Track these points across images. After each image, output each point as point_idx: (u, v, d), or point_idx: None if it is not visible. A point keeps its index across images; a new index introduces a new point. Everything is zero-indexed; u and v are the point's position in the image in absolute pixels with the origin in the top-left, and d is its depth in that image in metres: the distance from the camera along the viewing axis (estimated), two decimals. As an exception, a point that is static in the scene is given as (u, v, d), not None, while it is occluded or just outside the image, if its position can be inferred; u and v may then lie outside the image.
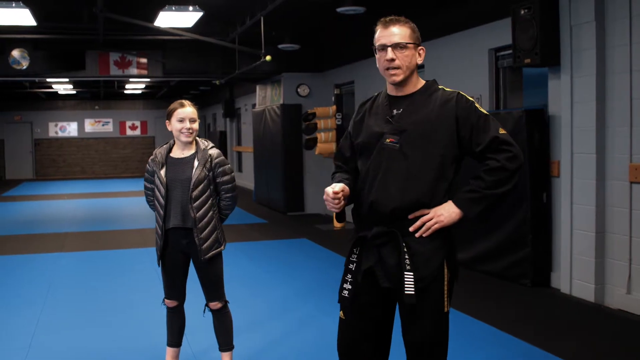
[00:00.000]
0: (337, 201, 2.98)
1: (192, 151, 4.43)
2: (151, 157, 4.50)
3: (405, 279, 2.91)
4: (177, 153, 4.46)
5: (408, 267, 2.91)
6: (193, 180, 4.31)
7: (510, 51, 7.49)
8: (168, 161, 4.44)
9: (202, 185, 4.34)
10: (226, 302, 4.55)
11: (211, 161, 4.38)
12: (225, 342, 4.60)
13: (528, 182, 7.02)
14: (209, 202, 4.38)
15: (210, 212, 4.38)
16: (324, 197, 3.02)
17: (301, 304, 6.63)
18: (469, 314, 6.10)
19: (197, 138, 4.49)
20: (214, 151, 4.43)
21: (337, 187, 2.99)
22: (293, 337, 5.57)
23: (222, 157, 4.46)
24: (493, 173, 2.92)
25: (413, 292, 2.90)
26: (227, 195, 4.48)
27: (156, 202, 4.46)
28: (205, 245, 4.34)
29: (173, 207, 4.37)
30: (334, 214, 3.15)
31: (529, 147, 7.00)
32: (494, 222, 7.41)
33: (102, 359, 5.13)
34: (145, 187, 4.62)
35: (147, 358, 5.10)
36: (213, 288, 4.48)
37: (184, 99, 4.59)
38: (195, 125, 4.39)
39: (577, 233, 6.69)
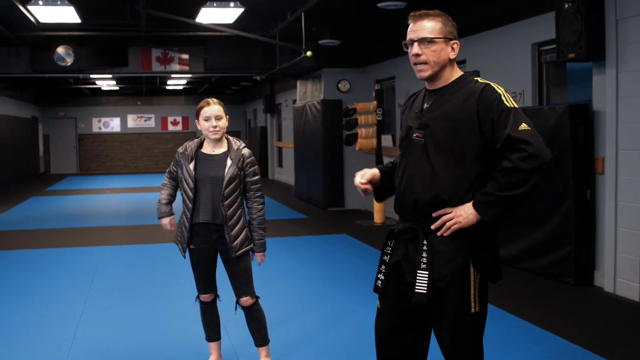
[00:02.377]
0: (362, 187, 3.15)
1: (224, 149, 4.48)
2: (181, 150, 4.59)
3: (418, 278, 2.89)
4: (208, 149, 4.51)
5: (423, 266, 2.89)
6: (226, 178, 4.36)
7: (553, 46, 7.39)
8: (198, 156, 4.50)
9: (234, 184, 4.38)
10: (257, 297, 4.56)
11: (243, 160, 4.43)
12: (260, 337, 4.62)
13: (571, 179, 6.92)
14: (239, 200, 4.44)
15: (240, 210, 4.44)
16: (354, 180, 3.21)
17: (340, 299, 6.63)
18: (510, 311, 6.05)
19: (230, 137, 4.54)
20: (246, 151, 4.49)
21: (365, 174, 3.18)
22: (330, 331, 5.57)
23: (253, 157, 4.51)
24: (506, 174, 2.79)
25: (424, 292, 2.88)
26: (257, 195, 4.51)
27: (184, 195, 4.50)
28: (236, 242, 4.39)
29: (203, 202, 4.42)
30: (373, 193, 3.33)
31: (573, 143, 6.90)
32: (537, 220, 7.33)
33: (145, 351, 5.19)
34: (168, 172, 4.76)
35: (190, 352, 5.15)
36: (242, 282, 4.49)
37: (211, 97, 4.64)
38: (222, 123, 4.42)
39: (621, 231, 6.59)
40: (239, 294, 4.52)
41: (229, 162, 4.41)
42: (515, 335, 5.47)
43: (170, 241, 10.17)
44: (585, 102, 7.19)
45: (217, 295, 4.68)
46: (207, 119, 4.41)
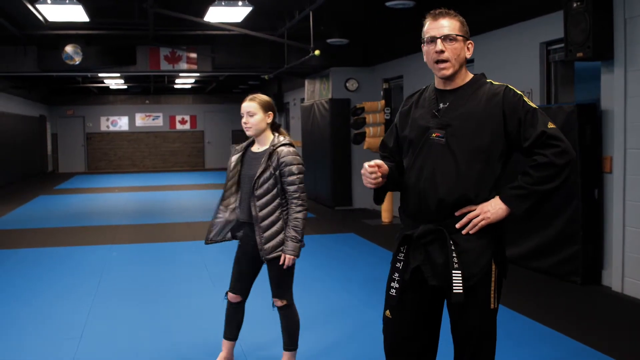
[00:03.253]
0: (373, 175, 2.98)
1: (266, 146, 4.34)
2: (235, 144, 4.53)
3: (454, 278, 2.89)
4: (255, 147, 4.42)
5: (456, 266, 2.89)
6: (255, 177, 4.24)
7: (562, 45, 7.38)
8: (246, 153, 4.43)
9: (268, 184, 4.23)
10: (289, 303, 4.44)
11: (278, 159, 4.24)
12: (285, 341, 4.53)
13: (579, 178, 6.91)
14: (276, 202, 4.26)
15: (277, 213, 4.26)
16: (362, 171, 3.02)
17: (348, 298, 6.63)
18: (518, 311, 6.04)
19: (279, 133, 4.40)
20: (283, 149, 4.26)
21: (374, 161, 3.00)
22: (338, 330, 5.56)
23: (291, 156, 4.25)
24: (541, 169, 2.86)
25: (461, 291, 2.88)
26: (295, 197, 4.25)
27: None
28: (268, 245, 4.25)
29: (242, 200, 4.37)
30: (373, 194, 3.21)
31: (581, 142, 6.89)
32: (544, 219, 7.32)
33: (153, 350, 5.20)
34: None
35: (198, 350, 5.16)
36: (274, 286, 4.40)
37: (255, 92, 4.54)
38: (253, 119, 4.28)
39: (629, 230, 6.57)
40: (272, 293, 4.44)
41: (263, 159, 4.28)
42: (523, 334, 5.46)
43: (177, 240, 10.21)
44: (593, 101, 7.17)
45: (244, 300, 4.57)
46: (242, 115, 4.34)
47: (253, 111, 4.30)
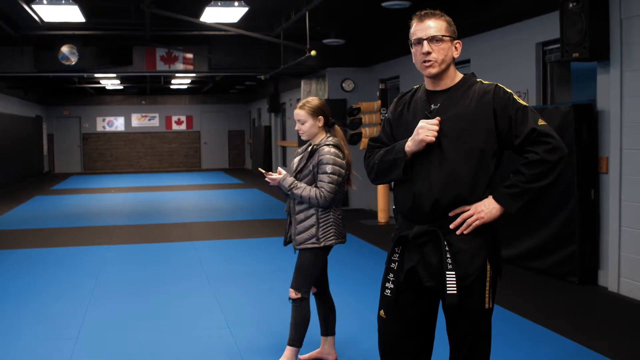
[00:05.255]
0: (436, 128, 2.91)
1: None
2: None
3: (447, 279, 2.89)
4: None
5: (450, 267, 2.89)
6: (296, 171, 4.45)
7: (558, 45, 7.39)
8: (310, 151, 4.52)
9: (306, 180, 4.42)
10: (302, 297, 4.51)
11: (317, 157, 4.39)
12: (291, 336, 4.59)
13: (576, 179, 6.92)
14: None
15: (312, 208, 4.42)
16: (424, 125, 2.93)
17: (346, 298, 6.63)
18: (514, 311, 6.04)
19: (330, 133, 4.51)
20: (325, 148, 4.39)
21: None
22: (340, 334, 5.56)
23: (329, 156, 4.36)
24: (533, 166, 2.86)
25: (455, 292, 2.88)
26: (321, 186, 4.34)
27: None
28: (299, 237, 4.44)
29: None
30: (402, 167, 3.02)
31: (577, 142, 6.90)
32: (541, 219, 7.32)
33: (150, 350, 5.19)
34: None
35: (194, 350, 5.15)
36: (295, 275, 4.52)
37: (308, 97, 4.64)
38: (305, 126, 4.45)
39: (625, 230, 6.58)
40: (291, 284, 4.55)
41: (305, 157, 4.49)
42: (519, 334, 5.47)
43: (173, 240, 10.20)
44: (589, 101, 7.18)
45: (318, 290, 4.75)
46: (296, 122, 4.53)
47: (303, 119, 4.46)
